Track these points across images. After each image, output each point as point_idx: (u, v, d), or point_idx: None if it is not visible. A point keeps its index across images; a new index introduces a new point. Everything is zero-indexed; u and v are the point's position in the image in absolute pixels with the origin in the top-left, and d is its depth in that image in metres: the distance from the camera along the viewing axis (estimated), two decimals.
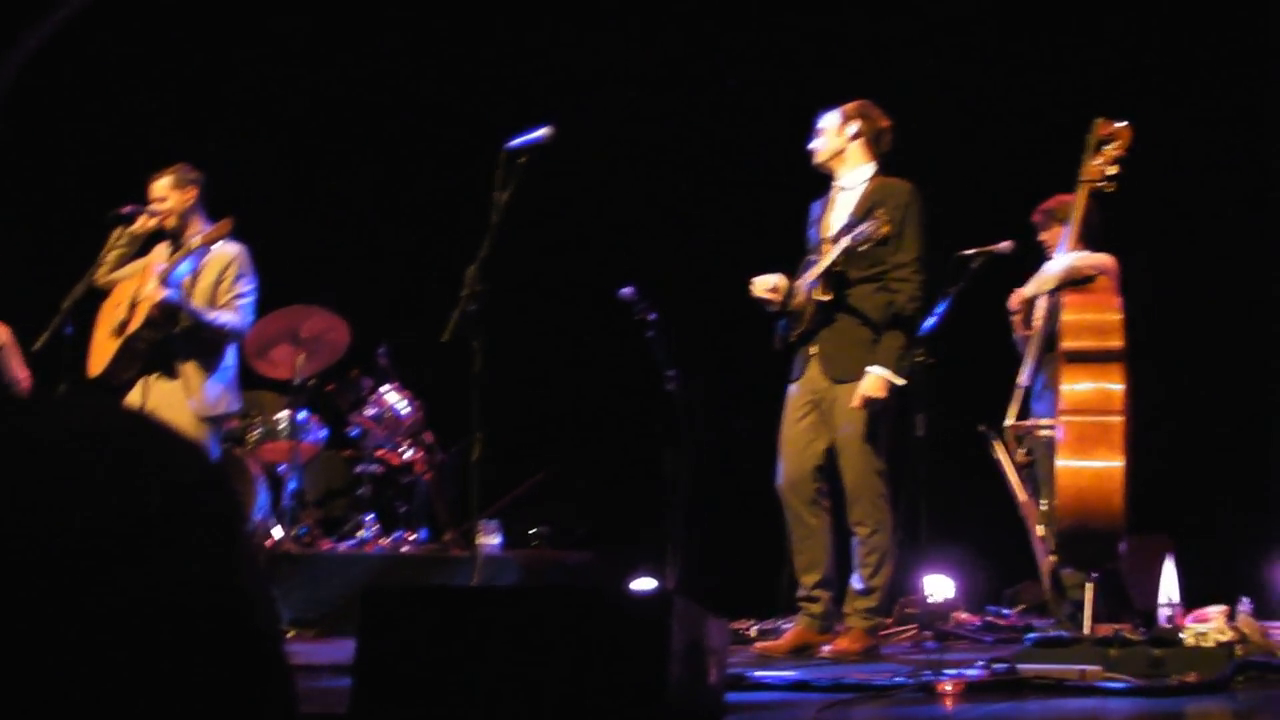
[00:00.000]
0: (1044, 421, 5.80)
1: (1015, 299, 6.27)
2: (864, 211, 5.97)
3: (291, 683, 0.98)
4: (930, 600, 7.15)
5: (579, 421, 9.67)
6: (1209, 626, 4.98)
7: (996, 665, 4.69)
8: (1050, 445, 5.62)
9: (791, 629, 6.17)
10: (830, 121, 6.25)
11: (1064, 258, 5.88)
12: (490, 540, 7.85)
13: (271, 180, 9.44)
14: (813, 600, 6.08)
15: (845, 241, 5.85)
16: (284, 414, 8.55)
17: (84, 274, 6.74)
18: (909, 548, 6.64)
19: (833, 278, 5.99)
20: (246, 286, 6.76)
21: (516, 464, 8.85)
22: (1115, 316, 5.58)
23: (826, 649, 5.92)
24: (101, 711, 0.84)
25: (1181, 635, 4.94)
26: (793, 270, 6.24)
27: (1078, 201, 5.85)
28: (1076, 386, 5.52)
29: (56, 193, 9.10)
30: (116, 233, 6.78)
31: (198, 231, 6.60)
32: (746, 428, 6.35)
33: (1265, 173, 8.31)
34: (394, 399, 8.79)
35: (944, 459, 6.33)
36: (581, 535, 9.00)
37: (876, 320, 6.00)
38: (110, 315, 6.76)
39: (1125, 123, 5.76)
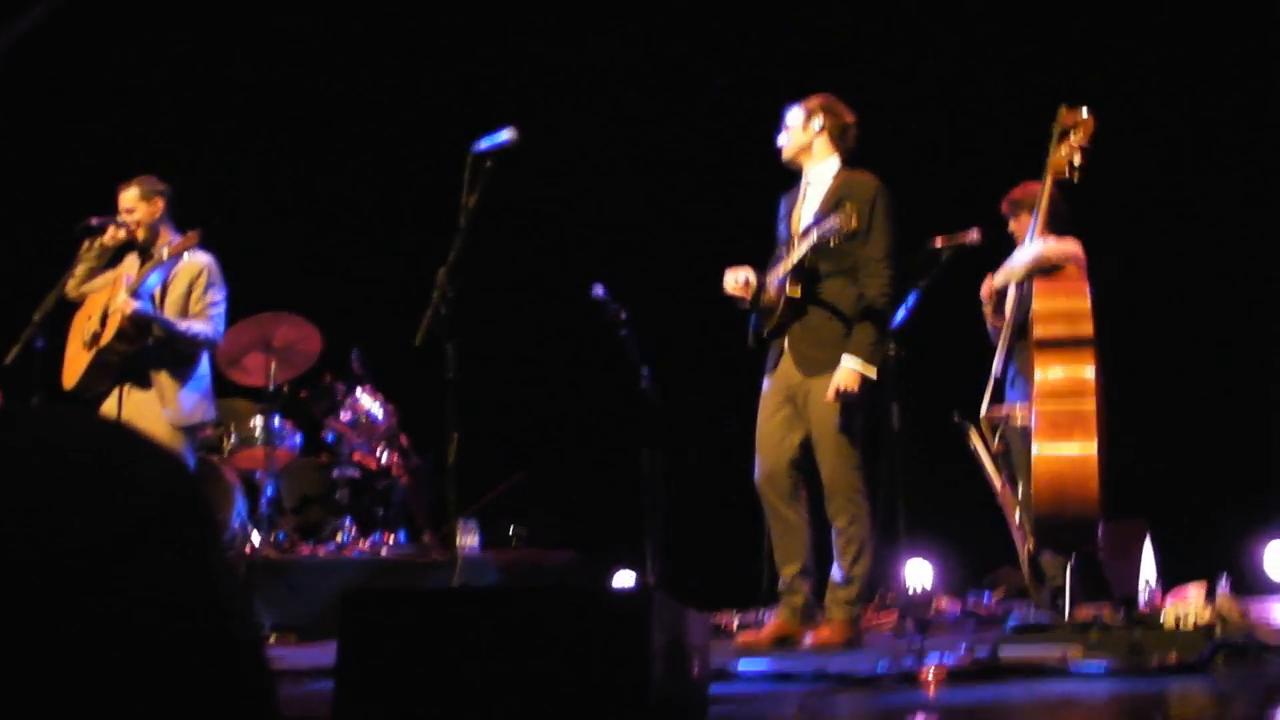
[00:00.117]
0: (1018, 409, 5.82)
1: (986, 289, 6.29)
2: (831, 205, 5.97)
3: (273, 688, 0.98)
4: (910, 589, 7.17)
5: (554, 421, 9.67)
6: (1188, 607, 5.01)
7: (978, 651, 4.71)
8: (1025, 433, 5.65)
9: (773, 620, 6.18)
10: (795, 117, 6.25)
11: (1032, 246, 5.91)
12: (469, 541, 7.86)
13: (239, 188, 9.42)
14: (793, 591, 6.09)
15: (813, 236, 5.85)
16: (258, 421, 8.55)
17: (54, 286, 6.71)
18: (888, 537, 6.66)
19: (802, 272, 6.00)
20: (217, 295, 6.75)
21: (493, 465, 8.85)
22: (1085, 303, 5.61)
23: (808, 640, 5.92)
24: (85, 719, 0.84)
25: (1162, 617, 4.96)
26: (763, 266, 6.25)
27: (1044, 190, 5.88)
28: (1049, 374, 5.55)
29: (24, 204, 9.06)
30: (85, 244, 6.76)
31: (166, 242, 6.58)
32: (734, 429, 6.34)
33: (1236, 155, 8.36)
34: (368, 403, 8.79)
35: (920, 450, 6.35)
36: (559, 535, 9.00)
37: (848, 314, 6.00)
38: (82, 327, 6.74)
39: (1088, 111, 5.79)
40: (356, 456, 8.84)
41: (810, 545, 6.11)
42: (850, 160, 6.23)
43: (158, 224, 6.71)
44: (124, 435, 0.96)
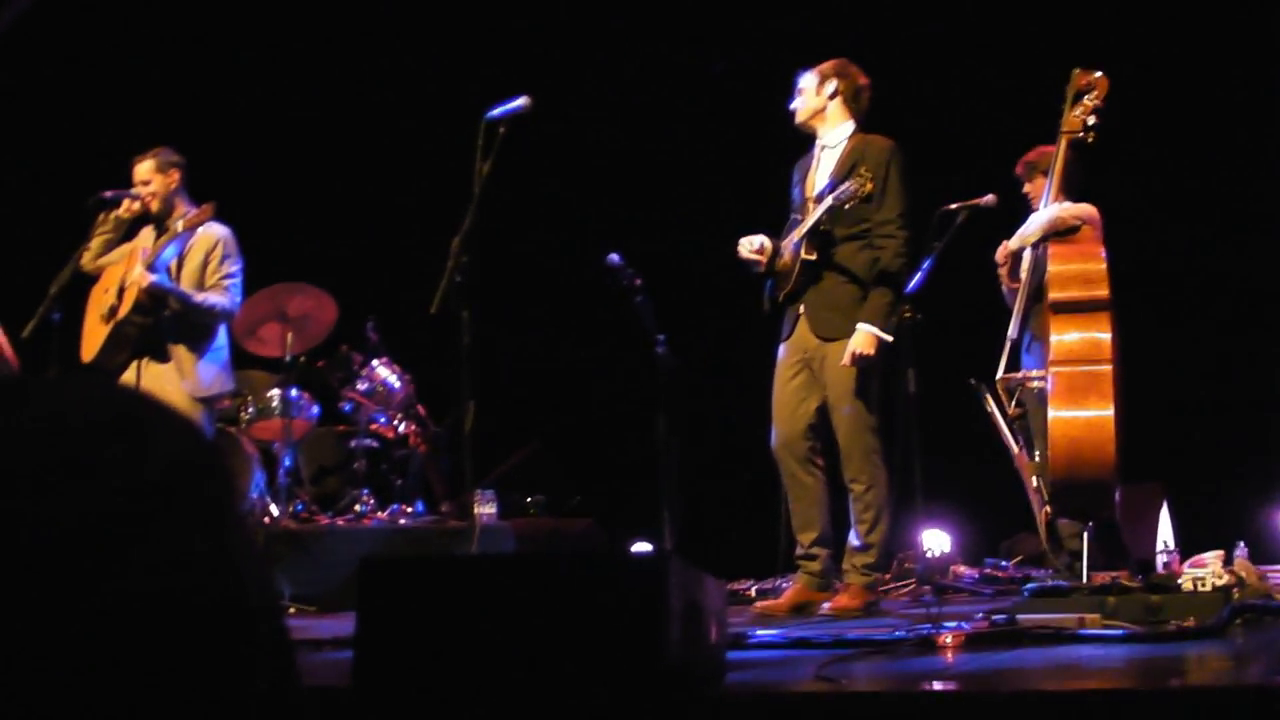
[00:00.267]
0: (1034, 373, 5.81)
1: (1001, 252, 6.27)
2: (846, 169, 5.97)
3: (293, 658, 0.98)
4: (928, 554, 7.18)
5: (570, 389, 9.68)
6: (1206, 571, 5.00)
7: (996, 616, 4.72)
8: (1041, 397, 5.63)
9: (791, 587, 6.19)
10: (809, 81, 6.24)
11: (1047, 210, 5.89)
12: (486, 510, 7.88)
13: (252, 159, 9.42)
14: (811, 558, 6.09)
15: (828, 200, 5.86)
16: (275, 392, 8.55)
17: (70, 260, 6.73)
18: (905, 503, 6.66)
19: (818, 237, 5.99)
20: (233, 267, 6.76)
21: (509, 434, 8.86)
22: (1100, 266, 5.59)
23: (826, 606, 5.93)
24: (101, 693, 0.85)
25: (1179, 581, 4.96)
26: (778, 231, 6.24)
27: (1058, 153, 5.86)
28: (1065, 337, 5.53)
29: (39, 178, 9.07)
30: (101, 217, 6.77)
31: (182, 215, 6.59)
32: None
33: (1254, 115, 8.31)
34: (384, 373, 8.79)
35: (936, 415, 6.33)
36: (577, 503, 9.01)
37: (863, 278, 6.00)
38: (99, 301, 6.75)
39: (1102, 73, 5.76)
40: (374, 427, 8.86)
41: (827, 511, 6.11)
42: (864, 124, 6.21)
43: (173, 196, 6.71)
44: (139, 401, 0.96)
